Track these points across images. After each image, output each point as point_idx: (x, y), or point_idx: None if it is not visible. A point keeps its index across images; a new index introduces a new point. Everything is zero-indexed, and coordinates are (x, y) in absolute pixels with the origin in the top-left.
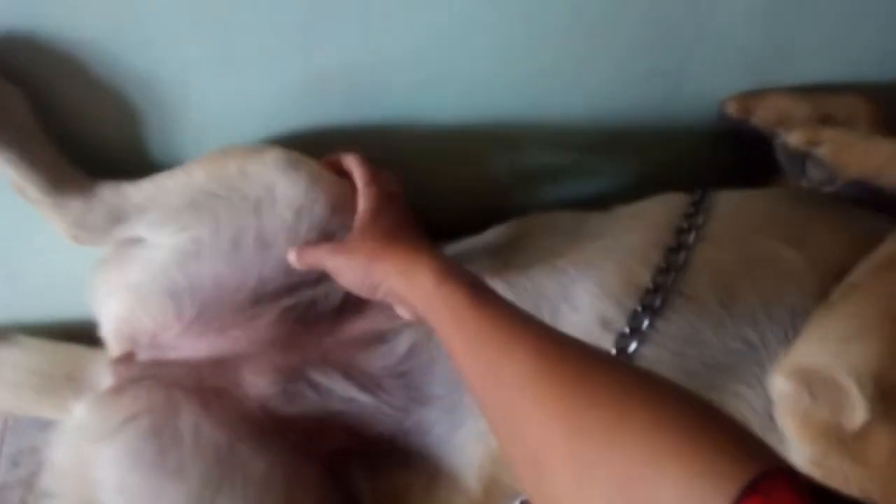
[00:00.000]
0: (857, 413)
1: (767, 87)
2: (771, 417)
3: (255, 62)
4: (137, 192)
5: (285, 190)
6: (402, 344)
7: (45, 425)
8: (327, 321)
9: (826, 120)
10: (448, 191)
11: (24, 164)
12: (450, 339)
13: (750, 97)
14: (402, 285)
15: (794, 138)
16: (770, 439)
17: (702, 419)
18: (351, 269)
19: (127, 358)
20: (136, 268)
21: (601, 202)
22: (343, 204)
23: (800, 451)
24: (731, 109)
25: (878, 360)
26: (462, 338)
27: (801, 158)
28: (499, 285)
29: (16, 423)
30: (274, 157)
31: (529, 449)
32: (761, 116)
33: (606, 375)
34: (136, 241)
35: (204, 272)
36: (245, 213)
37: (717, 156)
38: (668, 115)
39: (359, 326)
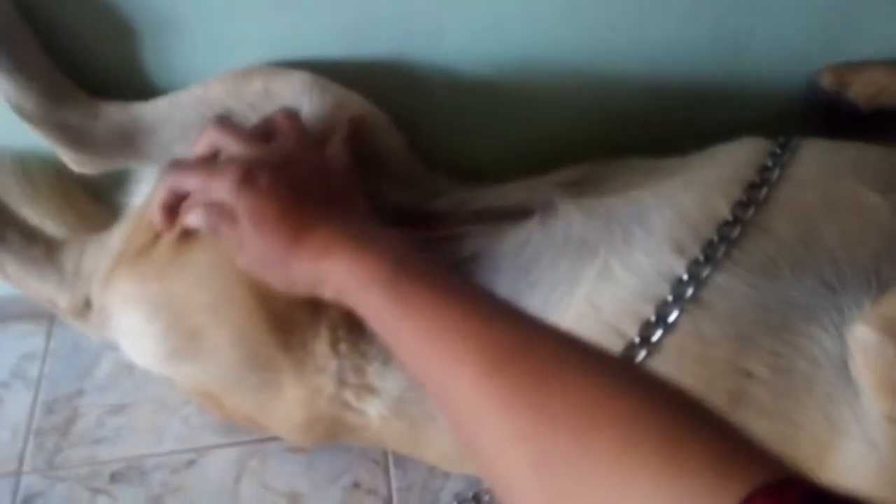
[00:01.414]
0: None
1: (866, 60)
2: (845, 365)
3: None
4: (150, 110)
5: (311, 109)
6: (467, 247)
7: (80, 375)
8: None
9: None
10: (498, 143)
11: (20, 75)
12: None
13: (848, 69)
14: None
15: (834, 82)
16: (842, 389)
17: (687, 427)
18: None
19: None
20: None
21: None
22: (370, 128)
23: (875, 405)
24: (826, 81)
25: None
26: (396, 349)
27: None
28: (570, 207)
29: (51, 372)
30: (302, 78)
31: (497, 476)
32: (858, 91)
33: (569, 381)
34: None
35: None
36: None
37: (784, 115)
38: (735, 73)
39: (424, 227)
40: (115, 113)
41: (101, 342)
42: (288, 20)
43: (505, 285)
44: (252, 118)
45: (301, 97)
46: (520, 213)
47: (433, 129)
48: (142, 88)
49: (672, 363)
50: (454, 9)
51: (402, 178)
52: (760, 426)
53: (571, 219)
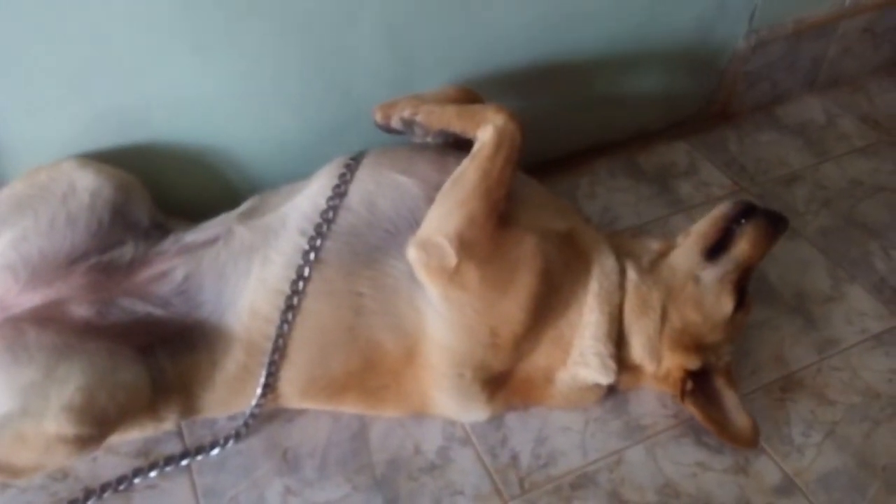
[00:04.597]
0: (450, 259)
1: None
2: (413, 274)
3: (51, 107)
4: None
5: (81, 181)
6: (178, 274)
7: None
8: (123, 271)
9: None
10: (197, 188)
11: None
12: None
13: (387, 106)
14: None
15: (405, 112)
16: (416, 288)
17: None
18: None
19: None
20: None
21: None
22: (123, 186)
23: (431, 290)
24: (377, 117)
25: (460, 225)
26: None
27: (410, 124)
28: (242, 229)
29: None
30: (69, 162)
31: None
32: (397, 119)
33: None
34: None
35: (31, 248)
36: (55, 203)
37: None
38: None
39: (147, 272)
40: None
41: None
42: (54, 132)
43: (210, 288)
44: (45, 196)
45: (71, 173)
46: (210, 241)
47: (166, 185)
48: None
49: (314, 300)
50: (157, 99)
51: (150, 220)
52: (379, 322)
53: (243, 236)
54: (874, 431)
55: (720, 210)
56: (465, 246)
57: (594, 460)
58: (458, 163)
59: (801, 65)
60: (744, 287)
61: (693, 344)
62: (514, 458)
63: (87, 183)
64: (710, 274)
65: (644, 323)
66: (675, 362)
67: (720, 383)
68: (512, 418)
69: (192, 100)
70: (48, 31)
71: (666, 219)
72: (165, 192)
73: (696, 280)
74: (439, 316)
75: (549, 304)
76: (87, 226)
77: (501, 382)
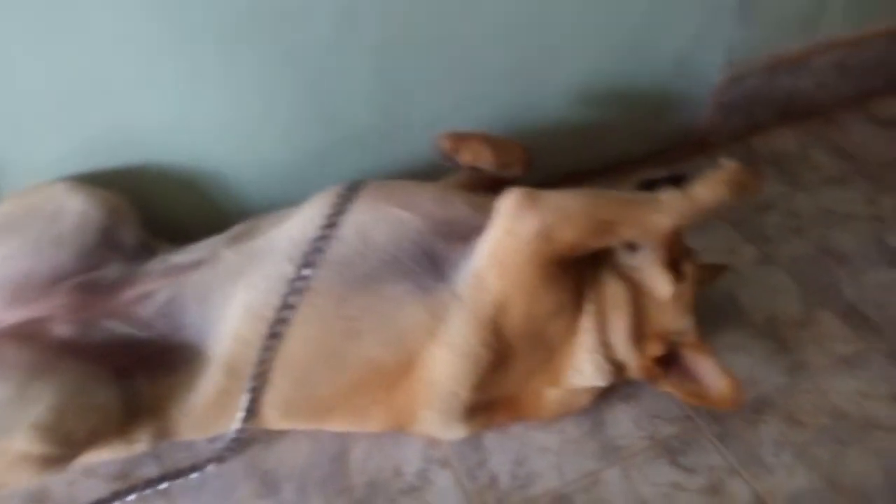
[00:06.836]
0: (530, 226)
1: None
2: (415, 292)
3: (42, 128)
4: None
5: (71, 204)
6: (162, 297)
7: None
8: (107, 291)
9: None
10: (186, 211)
11: None
12: None
13: (459, 138)
14: None
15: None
16: (417, 305)
17: None
18: None
19: None
20: None
21: None
22: (112, 209)
23: (496, 226)
24: (445, 145)
25: (561, 218)
26: None
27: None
28: (228, 253)
29: None
30: (61, 184)
31: None
32: (463, 156)
33: None
34: None
35: (16, 268)
36: (44, 224)
37: None
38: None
39: (130, 292)
40: None
41: None
42: (45, 153)
43: (193, 311)
44: (34, 216)
45: (62, 195)
46: (196, 264)
47: (155, 206)
48: None
49: (302, 325)
50: (148, 123)
51: (137, 242)
52: (373, 340)
53: (229, 260)
54: (843, 453)
55: None
56: (543, 234)
57: (571, 481)
58: (462, 201)
59: (776, 97)
60: (675, 259)
61: (651, 332)
62: (493, 480)
63: (75, 205)
64: (639, 260)
65: (616, 324)
66: (642, 354)
67: (691, 355)
68: (491, 440)
69: (182, 124)
70: (41, 52)
71: None
72: (154, 214)
73: (633, 270)
74: (454, 295)
75: (553, 327)
76: (73, 247)
77: (489, 403)
